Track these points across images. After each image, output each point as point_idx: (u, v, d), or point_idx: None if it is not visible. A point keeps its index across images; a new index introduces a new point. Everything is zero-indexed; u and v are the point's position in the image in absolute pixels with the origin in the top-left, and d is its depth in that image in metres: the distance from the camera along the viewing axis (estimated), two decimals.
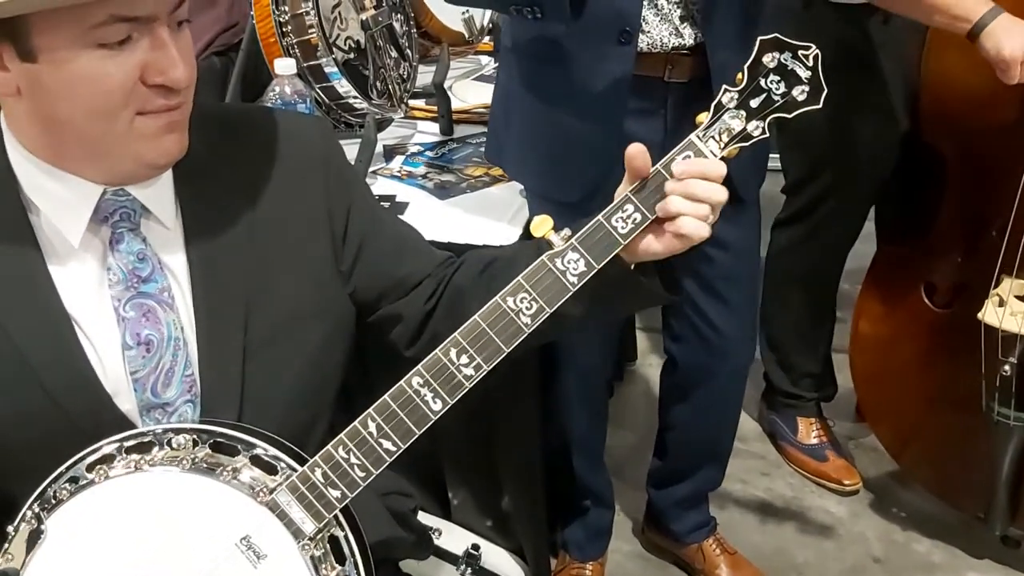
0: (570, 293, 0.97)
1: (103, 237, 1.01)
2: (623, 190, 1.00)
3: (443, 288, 1.14)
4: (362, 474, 0.96)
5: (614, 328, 2.00)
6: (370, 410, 0.96)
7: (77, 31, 0.88)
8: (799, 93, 0.99)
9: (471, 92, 2.34)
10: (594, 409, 1.97)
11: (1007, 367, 1.84)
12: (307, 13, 1.85)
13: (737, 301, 1.80)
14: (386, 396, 0.96)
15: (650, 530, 2.18)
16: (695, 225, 0.97)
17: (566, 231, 0.98)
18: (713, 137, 0.99)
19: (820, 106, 1.00)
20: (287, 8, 1.86)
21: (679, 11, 1.53)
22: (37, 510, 0.95)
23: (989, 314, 1.84)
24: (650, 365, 2.79)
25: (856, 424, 2.51)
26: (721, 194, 0.98)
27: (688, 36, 1.54)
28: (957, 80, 1.83)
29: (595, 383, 1.95)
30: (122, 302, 1.00)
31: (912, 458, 2.18)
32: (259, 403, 1.05)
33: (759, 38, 0.99)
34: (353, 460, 0.96)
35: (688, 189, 0.97)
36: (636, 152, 0.98)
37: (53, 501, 0.95)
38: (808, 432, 2.41)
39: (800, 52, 0.99)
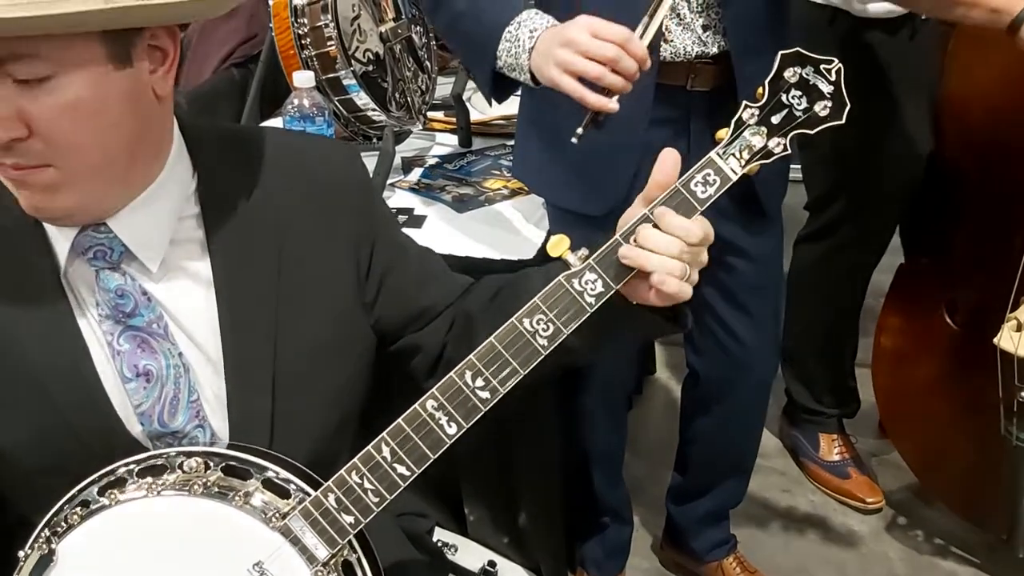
0: (587, 314, 0.94)
1: (82, 272, 0.99)
2: (640, 202, 0.97)
3: (457, 316, 1.13)
4: (376, 500, 0.94)
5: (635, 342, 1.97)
6: (384, 434, 0.94)
7: None
8: (821, 108, 0.97)
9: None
10: (614, 423, 1.94)
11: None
12: (326, 25, 1.85)
13: (761, 313, 1.77)
14: (400, 420, 0.94)
15: (669, 547, 2.15)
16: (672, 282, 0.93)
17: (583, 251, 0.96)
18: (733, 155, 0.96)
19: (843, 122, 0.97)
20: (306, 20, 1.86)
21: (701, 20, 1.50)
22: (48, 534, 0.94)
23: (1005, 339, 1.78)
24: (670, 377, 2.76)
25: (879, 440, 2.47)
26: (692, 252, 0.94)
27: (711, 44, 1.51)
28: (977, 97, 1.80)
29: (615, 397, 1.93)
30: (115, 335, 0.98)
31: (934, 477, 2.15)
32: (288, 437, 1.02)
33: (780, 52, 0.97)
34: (367, 485, 0.94)
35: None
36: (668, 160, 0.96)
37: (64, 526, 0.94)
38: (830, 449, 2.38)
39: (822, 66, 0.97)
